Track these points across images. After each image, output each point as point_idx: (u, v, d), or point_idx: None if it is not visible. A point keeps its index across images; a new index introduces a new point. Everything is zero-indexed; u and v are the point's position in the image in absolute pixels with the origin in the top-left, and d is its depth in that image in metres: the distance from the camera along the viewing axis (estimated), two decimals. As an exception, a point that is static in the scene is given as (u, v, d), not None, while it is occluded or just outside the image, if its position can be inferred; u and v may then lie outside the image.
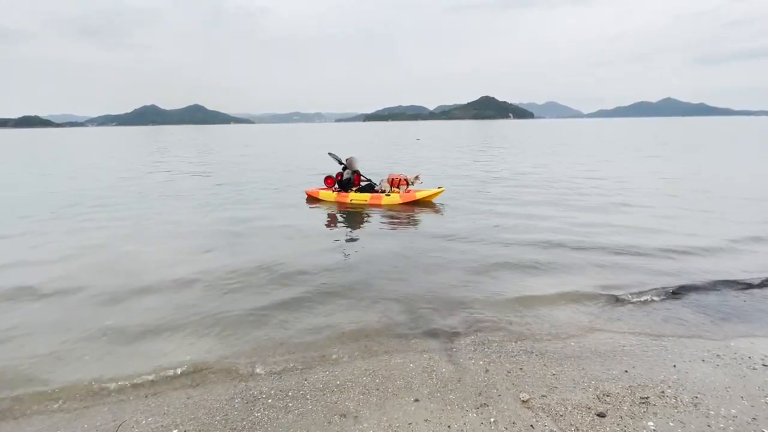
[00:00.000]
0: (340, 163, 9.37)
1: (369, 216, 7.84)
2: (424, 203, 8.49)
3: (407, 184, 8.72)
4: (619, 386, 2.72)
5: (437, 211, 8.11)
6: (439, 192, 8.55)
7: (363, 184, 9.19)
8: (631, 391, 2.66)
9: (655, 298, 4.09)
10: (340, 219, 7.81)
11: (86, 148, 34.21)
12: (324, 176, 9.50)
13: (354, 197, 8.71)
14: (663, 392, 2.64)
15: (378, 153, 23.12)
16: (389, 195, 8.56)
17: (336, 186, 9.12)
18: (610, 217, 7.35)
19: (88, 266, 5.24)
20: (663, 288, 4.29)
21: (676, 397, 2.58)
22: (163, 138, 54.44)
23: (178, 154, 25.04)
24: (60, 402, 2.68)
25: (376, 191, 8.85)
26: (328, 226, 7.33)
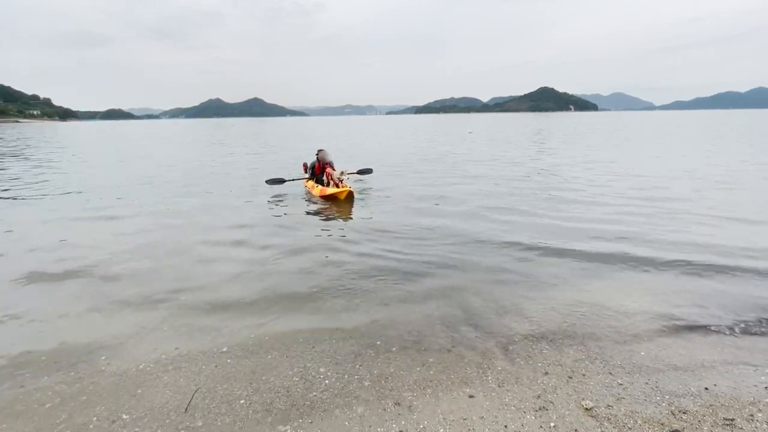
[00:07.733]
0: (282, 182, 9.98)
1: (415, 210, 7.80)
2: (333, 198, 8.62)
3: (331, 179, 9.13)
4: (697, 404, 2.48)
5: (489, 208, 7.86)
6: (342, 192, 8.45)
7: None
8: (712, 411, 2.42)
9: (745, 310, 3.64)
10: (383, 214, 7.85)
11: (173, 139, 37.43)
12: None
13: (308, 185, 9.74)
14: (752, 415, 2.37)
15: (424, 148, 22.80)
16: (323, 188, 9.11)
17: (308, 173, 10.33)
18: (698, 211, 6.68)
19: (160, 246, 5.77)
20: (755, 298, 3.82)
21: (768, 423, 2.31)
22: (224, 130, 57.96)
23: (245, 145, 26.53)
24: (143, 365, 2.99)
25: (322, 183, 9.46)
26: (369, 218, 7.38)
